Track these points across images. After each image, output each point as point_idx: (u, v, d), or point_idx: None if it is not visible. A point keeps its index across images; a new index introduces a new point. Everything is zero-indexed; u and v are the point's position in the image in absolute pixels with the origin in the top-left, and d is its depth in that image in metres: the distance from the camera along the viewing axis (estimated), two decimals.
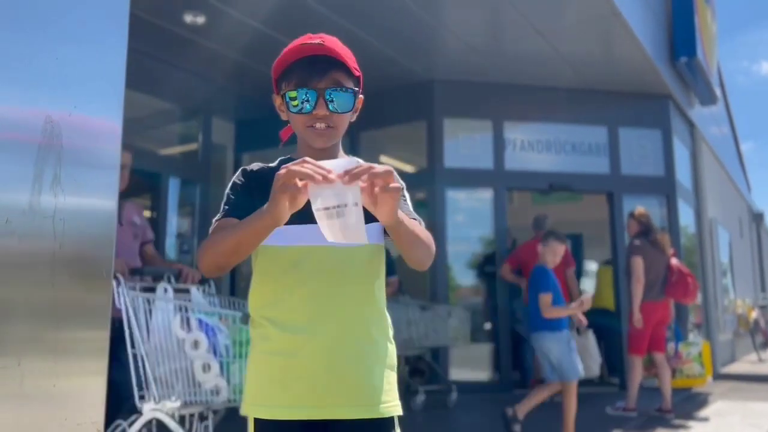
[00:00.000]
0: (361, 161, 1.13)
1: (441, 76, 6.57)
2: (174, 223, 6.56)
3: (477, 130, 6.89)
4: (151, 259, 3.32)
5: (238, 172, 1.40)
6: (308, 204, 1.15)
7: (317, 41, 1.31)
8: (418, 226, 1.30)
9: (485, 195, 6.82)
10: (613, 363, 7.06)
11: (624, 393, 6.22)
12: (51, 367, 1.26)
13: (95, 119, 1.34)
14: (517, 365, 6.80)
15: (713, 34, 8.64)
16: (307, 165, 1.07)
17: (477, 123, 6.89)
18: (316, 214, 1.06)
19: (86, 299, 1.31)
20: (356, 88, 1.36)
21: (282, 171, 1.10)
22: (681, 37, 7.24)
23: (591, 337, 6.21)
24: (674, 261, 5.29)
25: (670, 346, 5.84)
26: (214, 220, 1.34)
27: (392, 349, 1.37)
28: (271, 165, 1.39)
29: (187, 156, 7.07)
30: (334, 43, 1.34)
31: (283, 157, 1.40)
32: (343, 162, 1.10)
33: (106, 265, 1.31)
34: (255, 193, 1.31)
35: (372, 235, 1.28)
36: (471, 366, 6.95)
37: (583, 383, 6.47)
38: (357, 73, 1.38)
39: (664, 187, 7.23)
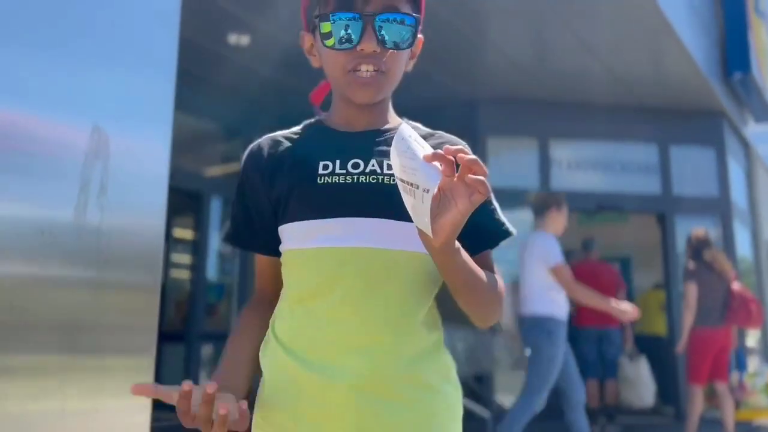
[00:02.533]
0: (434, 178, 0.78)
1: (485, 94, 6.47)
2: (216, 242, 6.56)
3: (522, 149, 6.74)
4: None
5: (244, 155, 1.05)
6: (333, 191, 0.93)
7: None
8: (479, 270, 0.92)
9: (531, 216, 6.64)
10: (668, 392, 6.74)
11: (680, 424, 5.91)
12: (95, 389, 1.18)
13: (144, 138, 1.27)
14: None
15: None
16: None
17: (522, 142, 6.74)
18: (397, 182, 0.81)
19: (131, 319, 1.23)
20: (417, 15, 0.99)
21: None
22: (734, 52, 7.00)
23: (644, 365, 5.96)
24: (736, 285, 5.02)
25: (734, 375, 5.53)
26: (223, 237, 1.07)
27: (456, 396, 1.00)
28: (287, 135, 1.05)
29: (229, 176, 7.09)
30: None
31: (308, 121, 1.09)
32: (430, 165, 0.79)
33: (152, 284, 1.23)
34: (262, 189, 1.00)
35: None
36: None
37: (636, 413, 6.21)
38: None
39: (718, 207, 6.94)
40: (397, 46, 0.95)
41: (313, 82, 1.12)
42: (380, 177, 0.95)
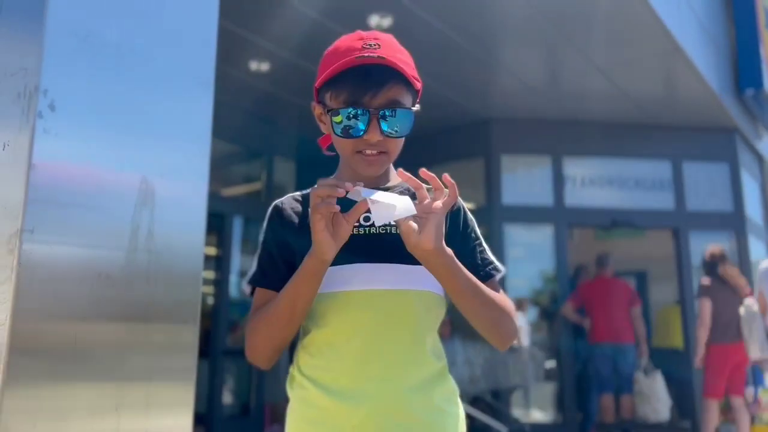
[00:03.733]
0: (411, 205, 0.96)
1: (498, 114, 6.60)
2: (238, 261, 6.75)
3: (535, 166, 6.86)
4: None
5: (269, 211, 1.19)
6: (350, 242, 1.04)
7: (375, 51, 1.08)
8: (478, 281, 1.09)
9: (545, 232, 6.75)
10: (685, 405, 6.76)
11: None
12: (144, 410, 1.33)
13: (185, 178, 1.44)
14: (580, 407, 6.61)
15: None
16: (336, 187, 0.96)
17: (535, 159, 6.86)
18: (370, 203, 0.96)
19: (175, 349, 1.39)
20: (415, 108, 1.14)
21: (314, 199, 0.98)
22: (746, 69, 7.07)
23: (659, 379, 6.01)
24: (750, 300, 5.08)
25: (749, 391, 5.55)
26: (245, 283, 1.19)
27: (461, 417, 1.15)
28: (306, 194, 1.20)
29: (250, 196, 7.29)
30: (393, 47, 1.11)
31: (323, 179, 1.19)
32: (397, 198, 0.97)
33: (192, 319, 1.39)
34: (290, 239, 1.13)
35: (432, 282, 1.08)
36: (533, 406, 6.79)
37: (652, 427, 6.24)
38: (418, 85, 1.15)
39: (732, 222, 6.99)
40: (397, 135, 1.10)
41: None
42: (389, 228, 1.12)
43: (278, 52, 5.24)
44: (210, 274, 6.92)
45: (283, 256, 1.14)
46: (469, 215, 1.21)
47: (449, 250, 1.02)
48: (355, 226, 1.09)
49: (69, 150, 1.22)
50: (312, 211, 0.98)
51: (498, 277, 1.19)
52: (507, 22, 4.95)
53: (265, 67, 5.50)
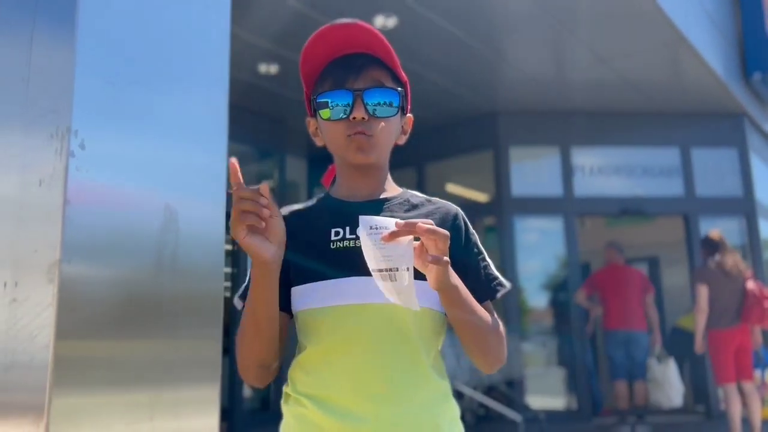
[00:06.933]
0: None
1: (505, 106, 6.68)
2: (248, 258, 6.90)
3: (544, 157, 6.93)
4: None
5: None
6: (344, 255, 1.05)
7: (346, 23, 1.11)
8: (480, 308, 1.08)
9: (555, 221, 6.83)
10: (699, 390, 6.83)
11: (710, 422, 6.04)
12: (175, 414, 1.46)
13: (205, 202, 1.56)
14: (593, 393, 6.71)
15: None
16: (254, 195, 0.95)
17: (544, 150, 6.94)
18: (372, 274, 0.94)
19: (200, 356, 1.52)
20: (399, 89, 1.14)
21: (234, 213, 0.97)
22: (753, 53, 7.06)
23: (672, 366, 6.08)
24: (750, 284, 5.08)
25: (757, 373, 5.60)
26: (237, 298, 1.18)
27: None
28: (302, 206, 1.21)
29: None
30: (371, 34, 1.11)
31: (320, 195, 1.24)
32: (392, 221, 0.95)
33: (215, 328, 1.52)
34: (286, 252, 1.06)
35: (430, 298, 1.06)
36: (545, 393, 6.90)
37: (666, 413, 6.33)
38: (403, 79, 1.16)
39: (742, 207, 7.03)
40: (382, 113, 1.11)
41: None
42: None
43: (286, 54, 5.35)
44: (228, 271, 7.07)
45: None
46: (471, 229, 1.20)
47: (455, 284, 1.02)
48: (350, 239, 1.10)
49: (98, 184, 1.35)
50: (232, 225, 0.97)
51: (502, 293, 1.18)
52: (510, 17, 5.02)
53: (273, 69, 5.62)
